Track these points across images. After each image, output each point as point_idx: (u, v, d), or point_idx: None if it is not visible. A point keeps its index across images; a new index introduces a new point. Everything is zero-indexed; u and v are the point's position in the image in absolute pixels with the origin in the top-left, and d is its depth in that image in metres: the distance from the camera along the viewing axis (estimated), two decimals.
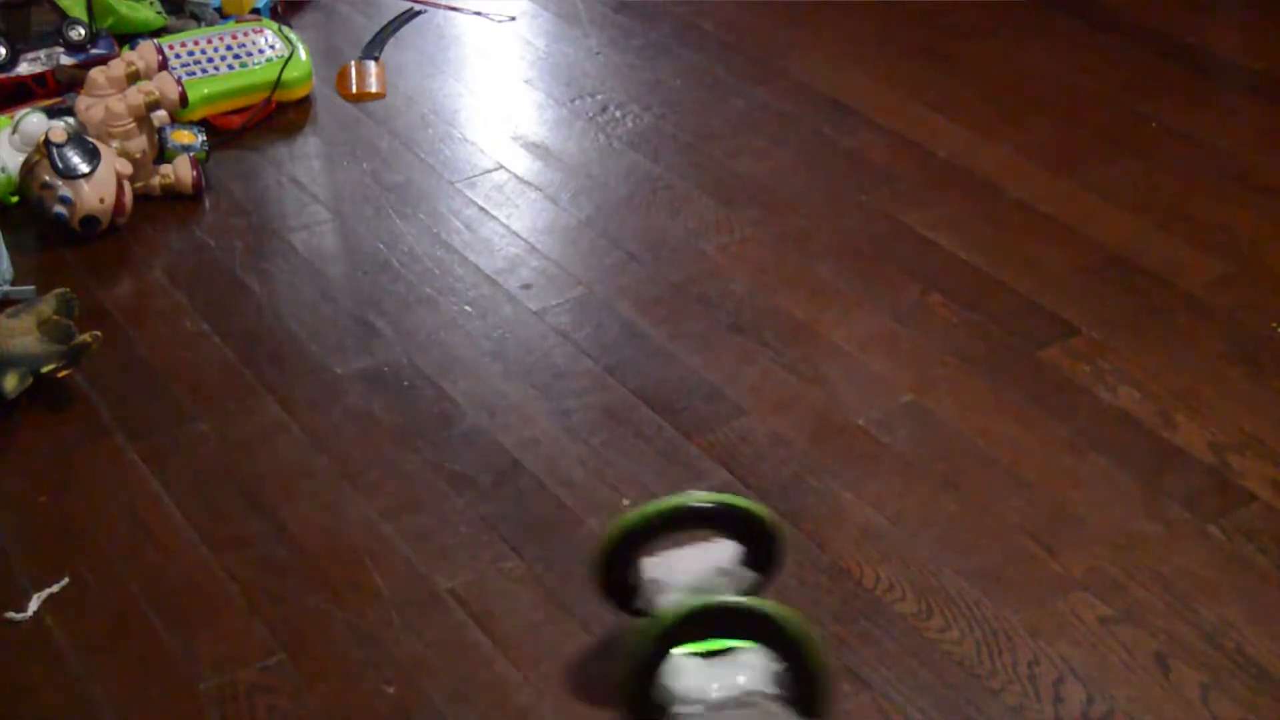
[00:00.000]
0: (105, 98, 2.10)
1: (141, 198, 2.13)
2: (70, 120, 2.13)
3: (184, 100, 2.14)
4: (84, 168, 2.01)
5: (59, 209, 2.01)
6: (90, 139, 2.06)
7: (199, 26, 2.50)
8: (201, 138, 2.25)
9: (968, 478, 1.63)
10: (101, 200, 2.02)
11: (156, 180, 2.15)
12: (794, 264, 2.00)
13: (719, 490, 1.59)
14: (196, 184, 2.15)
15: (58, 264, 2.02)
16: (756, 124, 2.34)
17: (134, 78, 2.13)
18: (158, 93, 2.11)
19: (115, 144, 2.09)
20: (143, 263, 2.04)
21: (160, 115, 2.20)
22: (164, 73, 2.16)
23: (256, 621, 1.46)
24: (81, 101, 2.12)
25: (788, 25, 2.65)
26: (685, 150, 2.27)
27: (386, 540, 1.56)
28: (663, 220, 2.10)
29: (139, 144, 2.12)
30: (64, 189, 2.00)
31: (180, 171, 2.15)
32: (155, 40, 2.26)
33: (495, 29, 2.67)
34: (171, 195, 2.16)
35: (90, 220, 2.03)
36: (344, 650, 1.43)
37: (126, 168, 2.08)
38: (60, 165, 2.00)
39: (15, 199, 2.10)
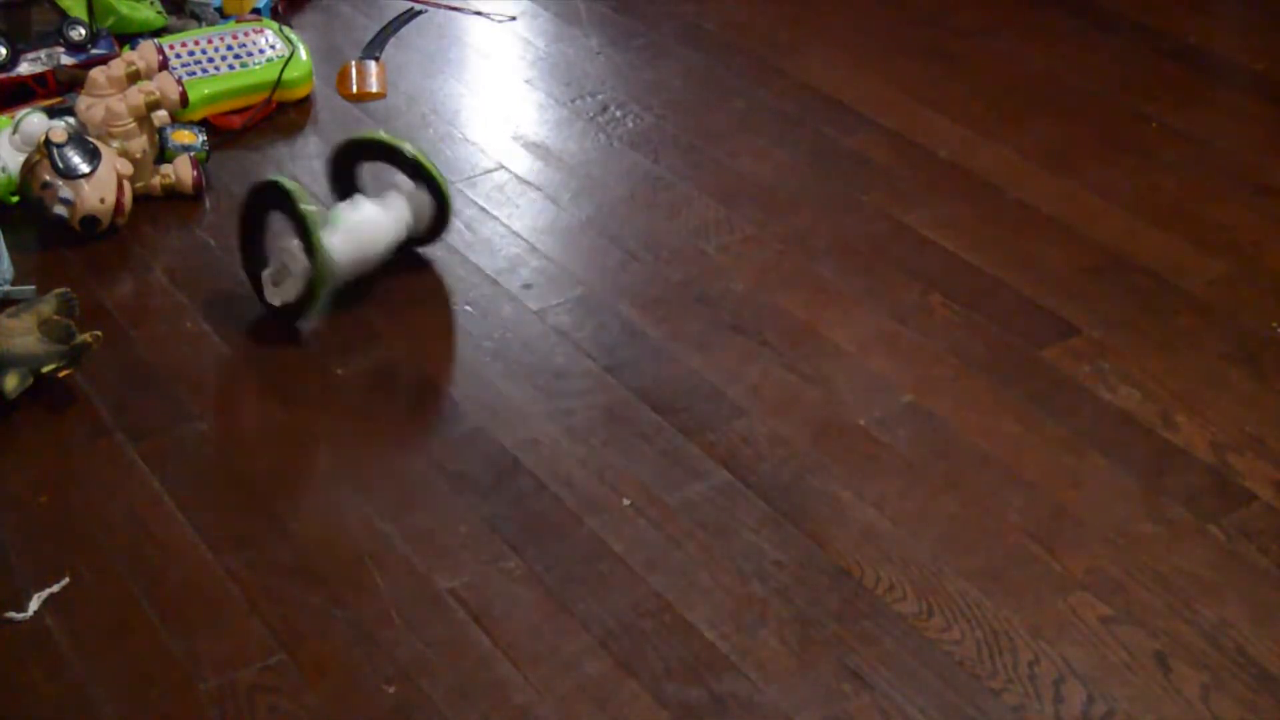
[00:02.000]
0: (106, 98, 2.10)
1: (142, 198, 2.13)
2: (71, 120, 2.13)
3: (184, 100, 2.14)
4: (84, 168, 2.01)
5: (59, 209, 2.01)
6: (91, 139, 2.06)
7: (199, 26, 2.50)
8: (202, 138, 2.25)
9: (968, 478, 1.63)
10: (102, 200, 2.02)
11: (157, 180, 2.15)
12: (794, 264, 2.00)
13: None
14: (197, 184, 2.15)
15: (58, 264, 2.02)
16: (756, 124, 2.34)
17: (134, 78, 2.13)
18: (158, 93, 2.11)
19: (116, 144, 2.09)
20: (143, 263, 2.04)
21: (161, 115, 2.20)
22: (164, 73, 2.16)
23: (256, 621, 1.46)
24: (82, 101, 2.12)
25: (788, 25, 2.65)
26: (685, 150, 2.27)
27: (386, 540, 1.56)
28: (663, 220, 2.10)
29: (139, 144, 2.12)
30: (64, 189, 2.00)
31: (181, 171, 2.15)
32: (156, 40, 2.26)
33: (495, 29, 2.67)
34: (172, 195, 2.16)
35: (90, 220, 2.03)
36: (344, 650, 1.43)
37: (127, 168, 2.08)
38: (61, 165, 2.00)
39: (15, 199, 2.10)
